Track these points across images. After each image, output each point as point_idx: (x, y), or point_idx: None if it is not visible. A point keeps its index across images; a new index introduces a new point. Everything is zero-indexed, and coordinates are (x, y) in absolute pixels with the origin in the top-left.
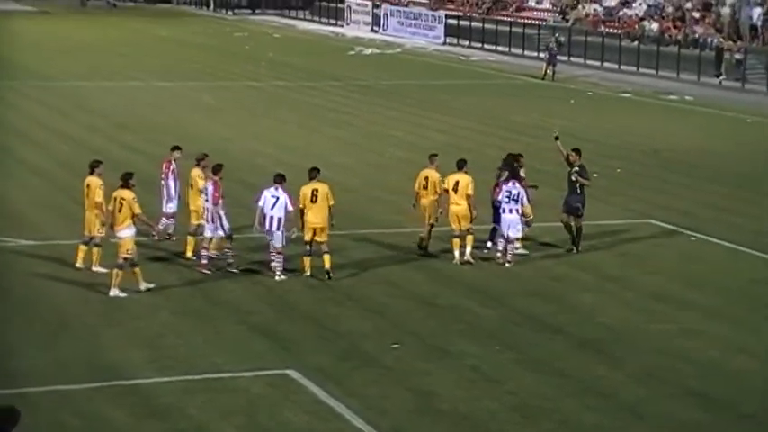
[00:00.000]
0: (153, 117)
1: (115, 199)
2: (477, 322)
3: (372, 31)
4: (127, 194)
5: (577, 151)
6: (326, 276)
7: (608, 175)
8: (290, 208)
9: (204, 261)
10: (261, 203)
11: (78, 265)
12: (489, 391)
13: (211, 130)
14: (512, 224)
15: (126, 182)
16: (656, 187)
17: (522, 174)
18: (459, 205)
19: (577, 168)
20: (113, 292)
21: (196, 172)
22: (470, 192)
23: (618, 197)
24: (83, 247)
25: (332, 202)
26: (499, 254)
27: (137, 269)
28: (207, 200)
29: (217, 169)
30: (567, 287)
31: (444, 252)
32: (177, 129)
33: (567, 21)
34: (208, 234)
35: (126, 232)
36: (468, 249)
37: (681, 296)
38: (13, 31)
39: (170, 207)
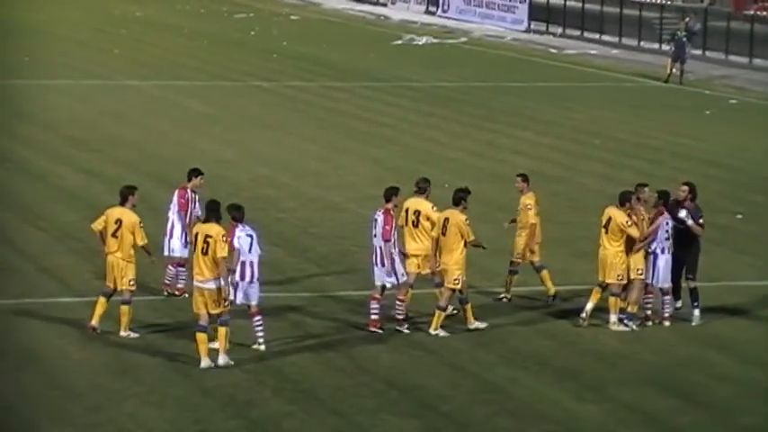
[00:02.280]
0: (119, 129)
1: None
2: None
3: (428, 12)
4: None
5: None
6: None
7: (756, 216)
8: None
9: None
10: (237, 245)
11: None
12: None
13: (202, 148)
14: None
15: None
16: None
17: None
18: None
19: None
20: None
21: None
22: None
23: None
24: (102, 301)
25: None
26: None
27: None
28: (375, 234)
29: (393, 193)
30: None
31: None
32: (154, 146)
33: (703, 0)
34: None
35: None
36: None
37: None
38: None
39: (183, 251)
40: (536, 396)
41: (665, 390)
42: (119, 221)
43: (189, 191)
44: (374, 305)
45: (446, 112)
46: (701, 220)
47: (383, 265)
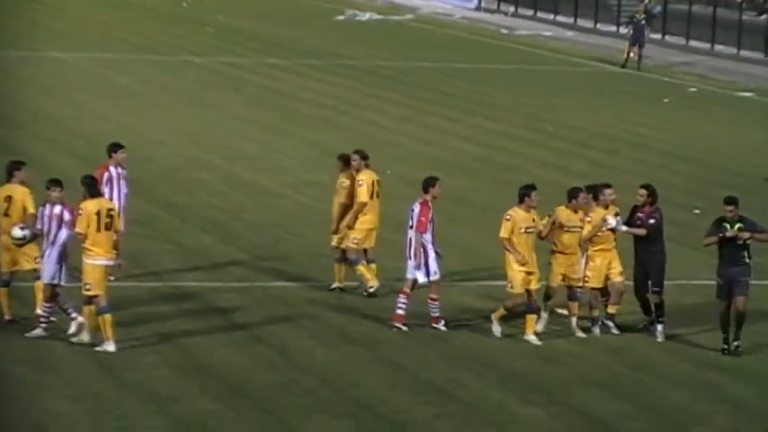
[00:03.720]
0: (44, 105)
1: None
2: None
3: None
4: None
5: (732, 201)
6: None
7: (715, 211)
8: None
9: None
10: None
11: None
12: None
13: (131, 126)
14: None
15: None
16: None
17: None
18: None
19: (740, 224)
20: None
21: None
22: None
23: None
24: (3, 290)
25: None
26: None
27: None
28: (411, 226)
29: (431, 183)
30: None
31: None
32: (79, 123)
33: None
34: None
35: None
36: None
37: None
38: None
39: None
40: (480, 398)
41: (615, 393)
42: (8, 198)
43: (112, 167)
44: (402, 299)
45: (390, 94)
46: (651, 221)
47: (414, 257)
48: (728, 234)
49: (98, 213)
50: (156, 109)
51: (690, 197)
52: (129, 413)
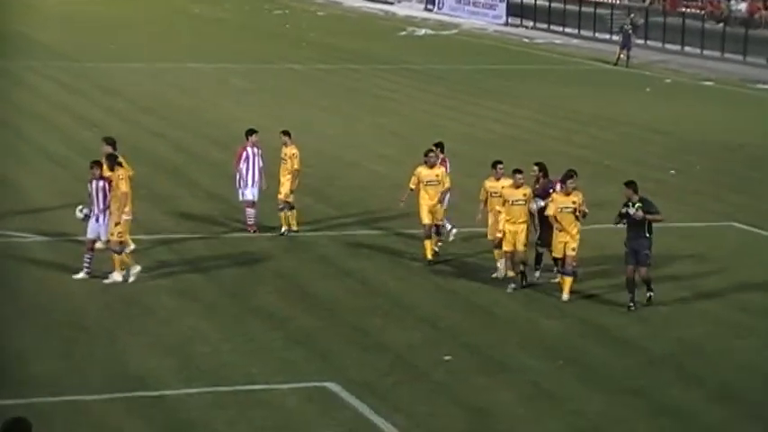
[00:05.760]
0: (181, 101)
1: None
2: (537, 335)
3: (426, 9)
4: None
5: (631, 184)
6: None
7: (686, 172)
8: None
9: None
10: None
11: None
12: (551, 410)
13: (244, 116)
14: None
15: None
16: (740, 187)
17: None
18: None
19: (639, 204)
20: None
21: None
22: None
23: (696, 197)
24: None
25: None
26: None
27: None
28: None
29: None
30: (637, 297)
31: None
32: (207, 114)
33: (644, 0)
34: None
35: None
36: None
37: (766, 307)
38: (33, 6)
39: (249, 194)
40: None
41: (612, 310)
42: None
43: (249, 147)
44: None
45: (439, 89)
46: (541, 203)
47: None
48: (630, 213)
49: (130, 179)
50: (264, 103)
51: (666, 162)
52: (253, 330)
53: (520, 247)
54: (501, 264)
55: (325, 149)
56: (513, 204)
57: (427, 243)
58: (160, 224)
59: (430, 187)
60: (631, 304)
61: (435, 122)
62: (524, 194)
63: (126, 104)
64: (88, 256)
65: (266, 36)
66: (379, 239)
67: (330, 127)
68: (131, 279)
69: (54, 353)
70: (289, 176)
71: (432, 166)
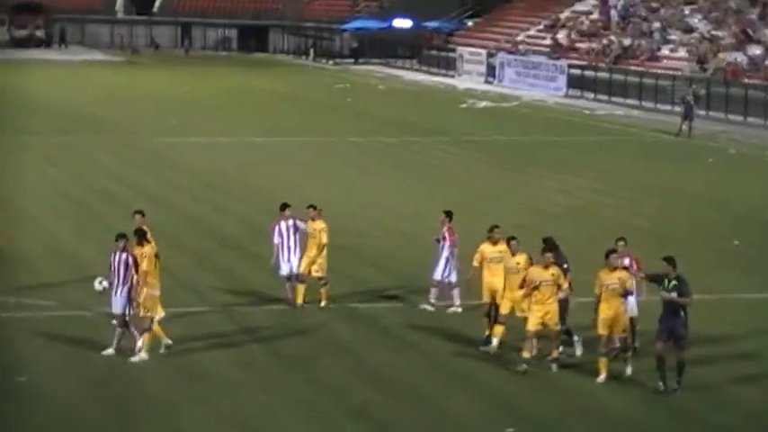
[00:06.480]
0: (244, 175)
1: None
2: (597, 407)
3: (486, 82)
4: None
5: (671, 261)
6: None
7: (750, 242)
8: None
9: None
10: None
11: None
12: None
13: (309, 189)
14: None
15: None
16: None
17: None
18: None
19: (675, 282)
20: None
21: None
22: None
23: (763, 267)
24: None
25: None
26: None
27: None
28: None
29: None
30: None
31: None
32: (270, 188)
33: (706, 71)
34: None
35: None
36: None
37: None
38: (98, 83)
39: (286, 269)
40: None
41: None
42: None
43: (282, 221)
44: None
45: (499, 160)
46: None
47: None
48: (664, 296)
49: (156, 256)
50: (328, 176)
51: (730, 232)
52: (316, 402)
53: (553, 327)
54: (495, 341)
55: (386, 220)
56: (542, 285)
57: (486, 321)
58: (221, 297)
59: (493, 264)
60: (661, 384)
61: (495, 193)
62: (553, 274)
63: (189, 179)
64: (119, 330)
65: (328, 109)
66: (438, 311)
67: (391, 198)
68: (136, 359)
69: (116, 428)
70: (316, 250)
71: (495, 243)
